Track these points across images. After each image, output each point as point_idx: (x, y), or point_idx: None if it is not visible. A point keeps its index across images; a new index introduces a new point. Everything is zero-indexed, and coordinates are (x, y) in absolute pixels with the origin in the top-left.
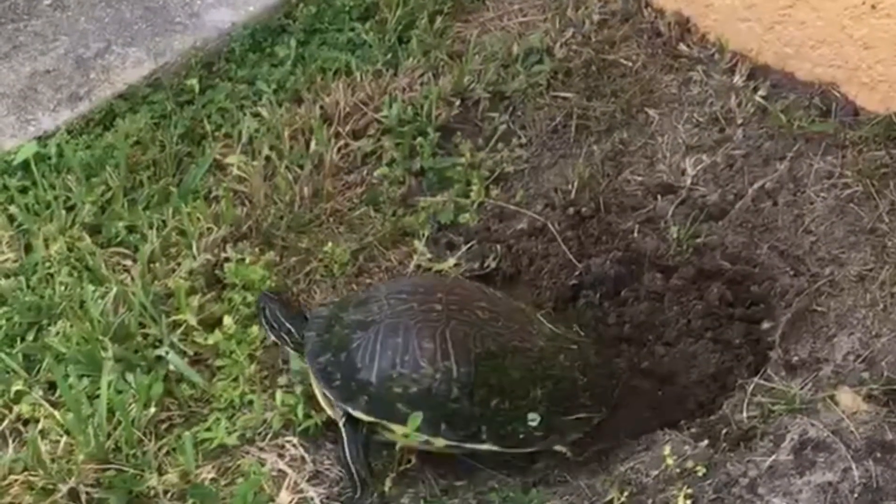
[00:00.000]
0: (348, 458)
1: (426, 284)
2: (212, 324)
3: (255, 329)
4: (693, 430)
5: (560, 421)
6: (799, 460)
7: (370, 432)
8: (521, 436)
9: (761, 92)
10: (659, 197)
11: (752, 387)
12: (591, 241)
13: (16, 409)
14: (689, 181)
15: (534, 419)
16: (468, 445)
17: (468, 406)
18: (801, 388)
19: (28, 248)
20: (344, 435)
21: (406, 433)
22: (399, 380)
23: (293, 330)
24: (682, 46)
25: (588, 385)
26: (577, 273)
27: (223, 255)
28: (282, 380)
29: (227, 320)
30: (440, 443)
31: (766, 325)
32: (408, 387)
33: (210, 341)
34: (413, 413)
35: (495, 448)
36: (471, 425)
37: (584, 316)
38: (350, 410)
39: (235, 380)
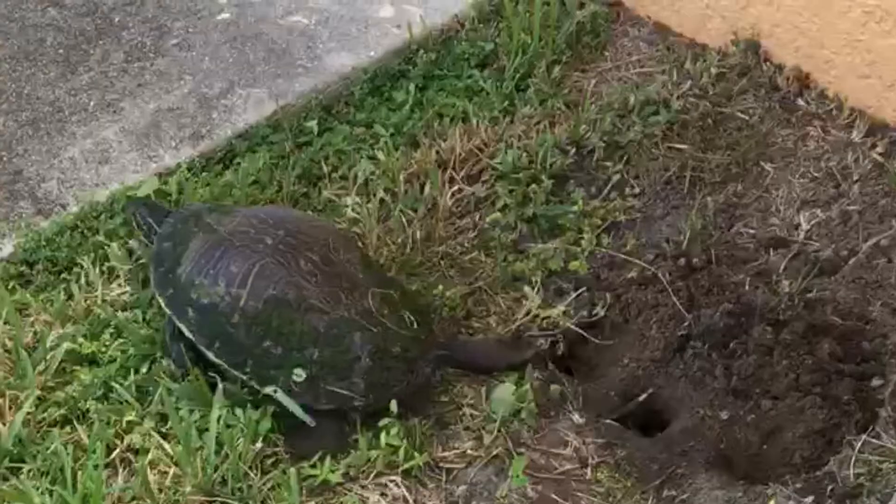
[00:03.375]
0: (165, 337)
1: (282, 218)
2: None
3: None
4: (798, 485)
5: (322, 388)
6: None
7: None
8: (280, 384)
9: (879, 149)
10: (771, 250)
11: (859, 444)
12: (701, 292)
13: (127, 438)
14: (802, 236)
15: (299, 375)
16: (235, 372)
17: (242, 336)
18: None
19: (145, 283)
20: (167, 326)
21: (189, 337)
22: (197, 287)
23: (155, 226)
24: (800, 101)
25: (369, 369)
26: (685, 324)
27: None
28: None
29: None
30: (212, 359)
31: (876, 382)
32: (200, 296)
33: None
34: (198, 323)
35: (254, 385)
36: (239, 354)
37: (691, 367)
38: (157, 297)
39: None
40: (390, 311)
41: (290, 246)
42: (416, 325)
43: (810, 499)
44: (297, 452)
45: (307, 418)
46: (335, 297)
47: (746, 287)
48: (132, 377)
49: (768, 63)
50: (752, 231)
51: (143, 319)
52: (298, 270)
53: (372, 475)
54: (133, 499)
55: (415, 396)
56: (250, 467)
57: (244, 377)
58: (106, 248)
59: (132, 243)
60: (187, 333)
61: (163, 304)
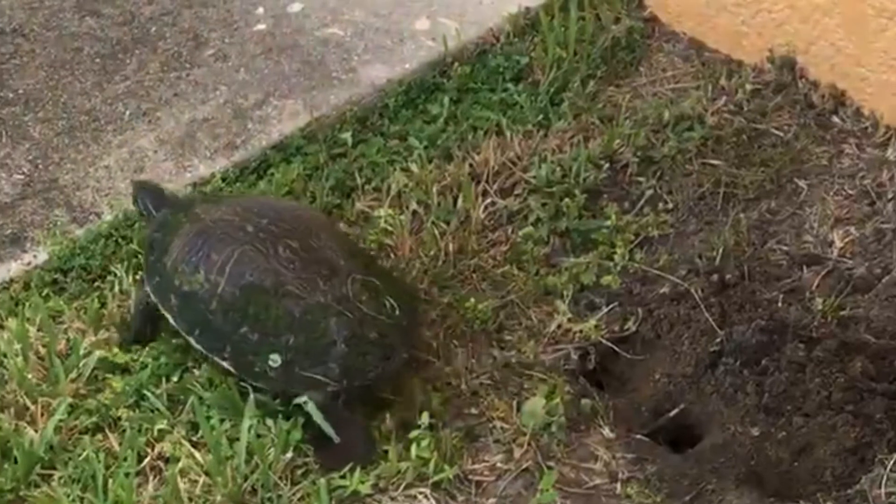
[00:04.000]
0: (133, 312)
1: (266, 206)
2: None
3: None
4: (829, 503)
5: (297, 374)
6: None
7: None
8: (257, 369)
9: None
10: (804, 268)
11: (892, 462)
12: (733, 308)
13: (158, 447)
14: (836, 253)
15: (274, 360)
16: (214, 358)
17: (220, 322)
18: None
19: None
20: (141, 297)
21: (173, 323)
22: (180, 275)
23: (154, 213)
24: (836, 119)
25: (344, 355)
26: (717, 340)
27: None
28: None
29: None
30: (194, 345)
31: None
32: (182, 284)
33: None
34: (180, 310)
35: (232, 370)
36: (218, 340)
37: (723, 383)
38: (146, 285)
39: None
40: (369, 298)
41: (271, 233)
42: (397, 312)
43: None
44: (326, 465)
45: (332, 432)
46: (312, 283)
47: (779, 304)
48: (164, 385)
49: (804, 80)
50: (785, 248)
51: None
52: (276, 257)
53: (402, 487)
54: None
55: (390, 382)
56: (280, 477)
57: (224, 363)
58: (139, 256)
59: None
60: (171, 320)
61: (150, 292)
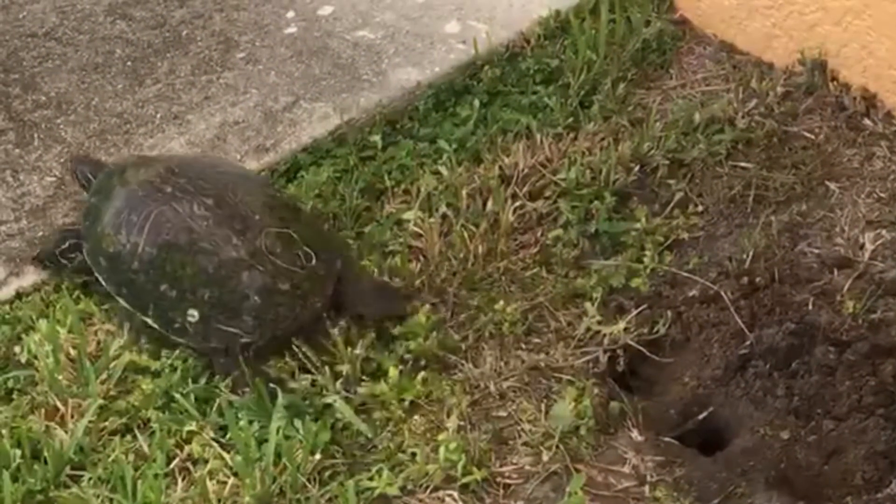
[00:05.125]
0: (55, 238)
1: (188, 166)
2: (377, 374)
3: (419, 378)
4: None
5: (214, 328)
6: None
7: None
8: (178, 325)
9: None
10: (835, 270)
11: None
12: (763, 311)
13: (187, 448)
14: (867, 256)
15: (192, 316)
16: (141, 316)
17: (142, 281)
18: None
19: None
20: (68, 233)
21: (103, 284)
22: (105, 239)
23: (93, 180)
24: (867, 121)
25: (257, 307)
26: (747, 343)
27: None
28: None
29: (393, 371)
30: (123, 304)
31: None
32: (108, 246)
33: (376, 391)
34: (108, 272)
35: (157, 327)
36: (142, 299)
37: (752, 386)
38: (83, 251)
39: (399, 431)
40: (284, 250)
41: (187, 192)
42: (312, 262)
43: None
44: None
45: (365, 428)
46: (225, 238)
47: (810, 307)
48: (193, 387)
49: (835, 82)
50: (816, 251)
51: None
52: (191, 214)
53: (429, 489)
54: None
55: (307, 331)
56: (308, 479)
57: (149, 321)
58: None
59: None
60: (101, 281)
61: (84, 254)
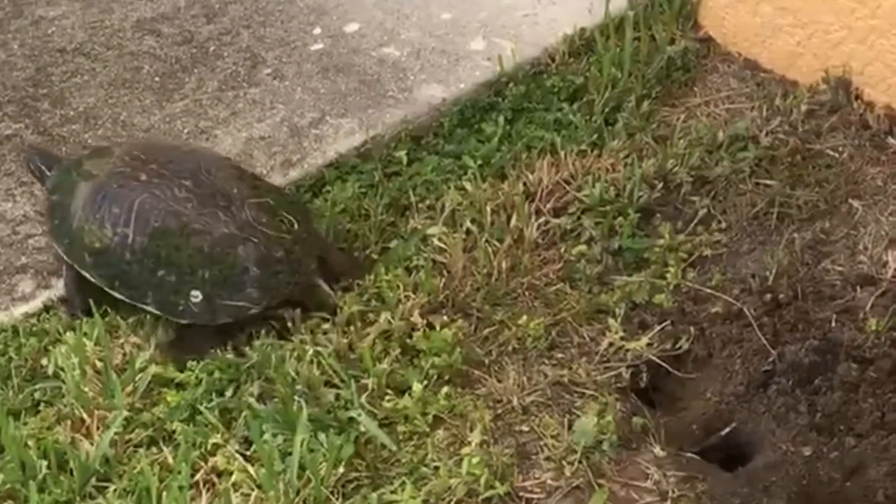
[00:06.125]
0: (66, 288)
1: (153, 151)
2: (402, 388)
3: (442, 393)
4: None
5: (220, 304)
6: None
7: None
8: (182, 308)
9: None
10: (858, 288)
11: None
12: (786, 328)
13: (211, 460)
14: (890, 273)
15: (195, 297)
16: (139, 305)
17: (138, 271)
18: None
19: None
20: (64, 270)
21: (92, 280)
22: (88, 234)
23: (47, 172)
24: (891, 139)
25: (259, 278)
26: (770, 359)
27: (420, 322)
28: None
29: (416, 386)
30: (117, 297)
31: None
32: (93, 242)
33: (400, 405)
34: (96, 267)
35: (158, 313)
36: (139, 288)
37: (775, 403)
38: (57, 248)
39: (422, 444)
40: (268, 219)
41: (163, 177)
42: (295, 226)
43: None
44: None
45: (389, 441)
46: (213, 216)
47: (832, 324)
48: (218, 400)
49: (859, 101)
50: (839, 268)
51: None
52: (174, 198)
53: (452, 503)
54: None
55: (304, 294)
56: (332, 492)
57: (149, 308)
58: None
59: None
60: (89, 277)
61: (63, 255)
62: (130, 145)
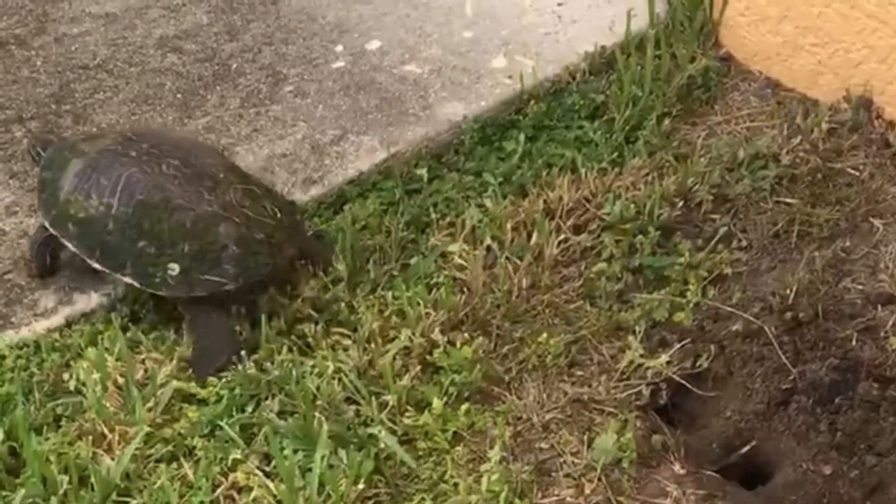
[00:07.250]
0: (30, 249)
1: (144, 134)
2: (422, 405)
3: (462, 410)
4: None
5: (196, 278)
6: None
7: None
8: (158, 279)
9: None
10: (879, 306)
11: None
12: (806, 346)
13: (231, 476)
14: None
15: (173, 269)
16: (117, 275)
17: (119, 241)
18: None
19: (253, 324)
20: (38, 233)
21: (74, 251)
22: (74, 203)
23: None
24: None
25: (237, 256)
26: (790, 378)
27: (440, 338)
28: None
29: (436, 402)
30: (97, 267)
31: None
32: (77, 211)
33: (420, 422)
34: (79, 236)
35: (136, 283)
36: (118, 258)
37: (795, 421)
38: (42, 219)
39: (442, 461)
40: (252, 204)
41: (153, 155)
42: (278, 215)
43: None
44: (199, 374)
45: (408, 458)
46: (198, 194)
47: (853, 342)
48: (238, 416)
49: (880, 120)
50: (860, 287)
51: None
52: (162, 174)
53: None
54: None
55: (281, 277)
56: None
57: (127, 279)
58: None
59: None
60: (71, 247)
61: (48, 225)
62: (125, 129)
